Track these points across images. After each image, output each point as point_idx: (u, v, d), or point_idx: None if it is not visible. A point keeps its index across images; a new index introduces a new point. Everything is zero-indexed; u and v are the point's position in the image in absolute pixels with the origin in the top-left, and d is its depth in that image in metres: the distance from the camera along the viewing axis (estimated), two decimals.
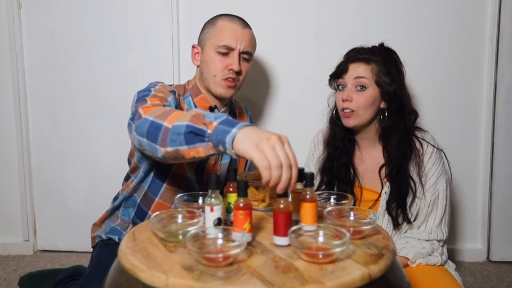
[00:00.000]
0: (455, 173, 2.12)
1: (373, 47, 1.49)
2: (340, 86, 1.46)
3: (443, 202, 1.44)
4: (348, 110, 1.43)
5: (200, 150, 0.98)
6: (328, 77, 1.52)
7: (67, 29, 2.08)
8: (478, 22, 2.03)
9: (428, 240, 1.42)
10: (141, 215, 1.45)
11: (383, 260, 0.85)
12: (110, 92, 2.10)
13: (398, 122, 1.44)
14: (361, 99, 1.41)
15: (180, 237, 0.94)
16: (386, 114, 1.45)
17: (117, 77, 2.09)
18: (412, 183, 1.42)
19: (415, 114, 1.50)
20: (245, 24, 1.46)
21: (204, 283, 0.76)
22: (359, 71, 1.42)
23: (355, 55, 1.45)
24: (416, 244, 1.41)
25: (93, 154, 2.15)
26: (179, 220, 1.03)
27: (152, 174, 1.43)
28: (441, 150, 1.48)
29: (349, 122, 1.45)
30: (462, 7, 2.01)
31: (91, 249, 1.53)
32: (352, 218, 1.04)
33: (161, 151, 1.05)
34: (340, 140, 1.52)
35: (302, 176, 1.00)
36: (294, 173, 0.90)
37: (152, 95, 1.27)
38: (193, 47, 1.50)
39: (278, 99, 2.08)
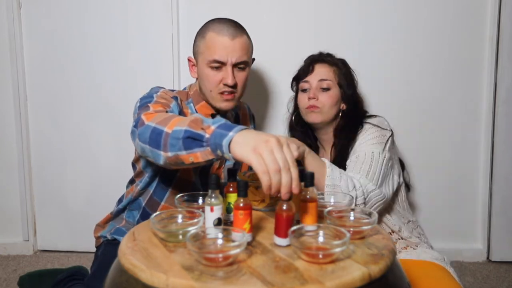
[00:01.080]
0: (455, 173, 2.13)
1: (326, 53, 1.60)
2: (305, 90, 1.53)
3: (370, 161, 1.36)
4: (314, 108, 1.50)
5: (198, 155, 0.97)
6: (292, 80, 1.61)
7: (67, 29, 2.08)
8: (478, 22, 2.03)
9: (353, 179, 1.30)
10: (146, 218, 1.45)
11: (383, 260, 0.85)
12: (110, 92, 2.10)
13: (353, 121, 1.51)
14: (326, 97, 1.49)
15: (180, 237, 0.94)
16: (344, 112, 1.53)
17: (117, 77, 2.09)
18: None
19: (364, 113, 1.57)
20: (235, 33, 1.36)
21: (204, 283, 0.76)
22: (323, 72, 1.52)
23: (319, 57, 1.57)
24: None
25: (93, 154, 2.15)
26: (179, 220, 1.03)
27: (157, 179, 1.43)
28: (386, 130, 1.44)
29: (314, 118, 1.50)
30: (462, 7, 2.01)
31: (91, 249, 1.54)
32: (352, 218, 1.04)
33: (163, 156, 1.05)
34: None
35: (302, 176, 1.00)
36: (294, 174, 0.88)
37: (154, 102, 1.27)
38: (189, 60, 1.48)
39: (278, 100, 2.08)
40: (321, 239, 0.92)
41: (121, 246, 0.94)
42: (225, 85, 1.37)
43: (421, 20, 2.02)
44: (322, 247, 0.89)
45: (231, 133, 0.92)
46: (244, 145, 0.89)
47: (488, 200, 2.12)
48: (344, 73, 1.54)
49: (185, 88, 1.54)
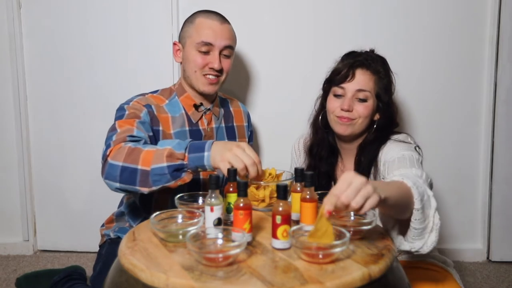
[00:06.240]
0: (455, 173, 2.13)
1: (368, 54, 1.43)
2: (338, 95, 1.39)
3: (413, 160, 1.24)
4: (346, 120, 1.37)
5: (185, 178, 1.16)
6: (324, 81, 1.45)
7: (67, 29, 2.08)
8: (478, 22, 2.03)
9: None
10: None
11: (383, 260, 0.85)
12: (110, 92, 2.09)
13: (384, 134, 1.39)
14: (362, 109, 1.36)
15: (180, 237, 0.94)
16: (378, 125, 1.40)
17: (117, 77, 2.09)
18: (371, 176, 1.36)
19: (396, 125, 1.45)
20: (223, 19, 1.47)
21: (204, 283, 0.76)
22: (364, 82, 1.35)
23: (362, 60, 1.37)
24: (409, 175, 1.09)
25: (93, 154, 2.14)
26: (179, 220, 1.03)
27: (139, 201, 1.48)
28: (411, 144, 1.35)
29: (344, 130, 1.38)
30: (462, 7, 2.01)
31: (91, 249, 1.54)
32: (352, 218, 1.04)
33: (142, 190, 1.17)
34: (324, 149, 1.46)
35: (303, 176, 1.00)
36: (259, 167, 1.11)
37: (125, 117, 1.33)
38: (174, 44, 1.53)
39: (277, 100, 2.08)
40: None
41: (121, 246, 0.94)
42: (211, 68, 1.42)
43: (421, 21, 2.02)
44: (322, 247, 0.89)
45: (206, 153, 1.13)
46: (216, 156, 1.12)
47: (488, 200, 2.12)
48: (385, 82, 1.38)
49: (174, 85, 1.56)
